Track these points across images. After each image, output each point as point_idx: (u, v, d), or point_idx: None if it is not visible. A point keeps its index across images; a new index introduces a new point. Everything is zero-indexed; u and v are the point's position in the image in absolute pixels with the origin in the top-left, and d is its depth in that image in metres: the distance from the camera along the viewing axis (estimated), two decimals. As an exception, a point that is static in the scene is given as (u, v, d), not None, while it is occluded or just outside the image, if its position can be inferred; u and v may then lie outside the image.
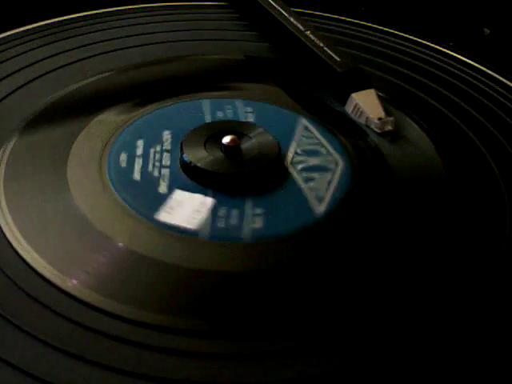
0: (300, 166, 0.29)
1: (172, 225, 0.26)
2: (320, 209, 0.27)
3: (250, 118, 0.32)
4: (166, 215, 0.26)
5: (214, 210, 0.26)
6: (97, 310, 0.23)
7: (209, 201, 0.27)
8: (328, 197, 0.28)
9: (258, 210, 0.27)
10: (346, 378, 0.21)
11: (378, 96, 0.33)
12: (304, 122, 0.32)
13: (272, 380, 0.21)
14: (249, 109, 0.32)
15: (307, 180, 0.28)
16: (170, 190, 0.27)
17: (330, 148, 0.30)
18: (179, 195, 0.27)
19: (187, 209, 0.26)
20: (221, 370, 0.21)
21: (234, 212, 0.26)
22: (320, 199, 0.27)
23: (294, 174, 0.29)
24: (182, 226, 0.26)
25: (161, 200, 0.27)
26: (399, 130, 0.32)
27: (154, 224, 0.26)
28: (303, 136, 0.31)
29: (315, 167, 0.29)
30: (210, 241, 0.25)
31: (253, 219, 0.26)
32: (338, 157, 0.30)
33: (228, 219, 0.26)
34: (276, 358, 0.21)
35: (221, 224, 0.26)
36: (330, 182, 0.28)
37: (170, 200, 0.27)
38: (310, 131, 0.31)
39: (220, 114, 0.32)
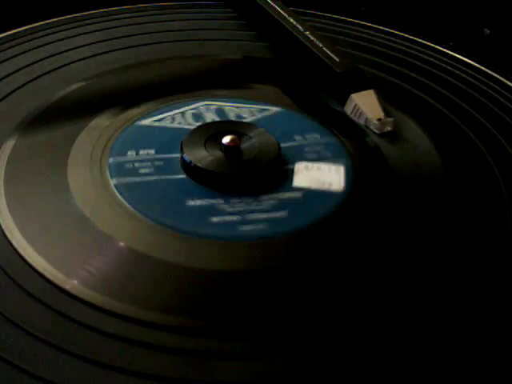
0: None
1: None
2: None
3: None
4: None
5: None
6: (97, 309, 0.23)
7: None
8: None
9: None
10: (346, 378, 0.21)
11: (378, 96, 0.33)
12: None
13: (272, 380, 0.21)
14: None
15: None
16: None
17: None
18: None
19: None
20: (220, 368, 0.21)
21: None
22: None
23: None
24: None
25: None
26: (399, 130, 0.32)
27: (154, 223, 0.26)
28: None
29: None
30: (212, 239, 0.25)
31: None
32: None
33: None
34: (276, 358, 0.22)
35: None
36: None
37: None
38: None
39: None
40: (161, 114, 0.32)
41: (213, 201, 0.27)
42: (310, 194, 0.28)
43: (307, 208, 0.27)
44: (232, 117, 0.32)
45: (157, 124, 0.31)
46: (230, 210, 0.26)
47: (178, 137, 0.30)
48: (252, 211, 0.26)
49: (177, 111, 0.32)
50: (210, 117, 0.32)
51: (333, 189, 0.27)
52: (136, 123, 0.31)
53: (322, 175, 0.28)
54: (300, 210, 0.27)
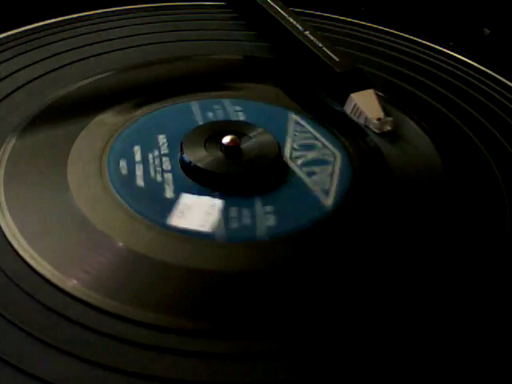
0: (299, 166, 0.29)
1: (186, 229, 0.25)
2: (328, 202, 0.27)
3: (251, 119, 0.32)
4: (178, 220, 0.26)
5: (225, 211, 0.26)
6: (97, 309, 0.23)
7: (218, 202, 0.27)
8: (327, 199, 0.28)
9: (269, 208, 0.27)
10: (346, 378, 0.21)
11: (378, 96, 0.33)
12: (304, 121, 0.32)
13: (273, 380, 0.21)
14: (249, 108, 0.32)
15: (306, 180, 0.28)
16: (177, 194, 0.27)
17: (329, 148, 0.30)
18: (187, 199, 0.27)
19: (198, 212, 0.26)
20: (221, 369, 0.21)
21: (246, 212, 0.26)
22: (319, 200, 0.27)
23: (294, 173, 0.29)
24: (196, 230, 0.26)
25: (170, 206, 0.27)
26: (399, 129, 0.32)
27: (154, 224, 0.26)
28: (303, 136, 0.31)
29: (314, 167, 0.29)
30: (211, 240, 0.25)
31: (266, 217, 0.26)
32: (337, 156, 0.30)
33: (241, 219, 0.26)
34: (276, 358, 0.22)
35: (234, 225, 0.26)
36: (329, 183, 0.28)
37: (179, 205, 0.26)
38: (309, 131, 0.31)
39: (220, 114, 0.32)
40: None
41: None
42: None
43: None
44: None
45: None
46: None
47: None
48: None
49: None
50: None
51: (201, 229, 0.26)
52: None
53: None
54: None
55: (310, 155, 0.30)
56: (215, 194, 0.27)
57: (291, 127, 0.31)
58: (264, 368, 0.21)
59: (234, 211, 0.26)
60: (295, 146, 0.30)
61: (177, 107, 0.32)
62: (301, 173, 0.29)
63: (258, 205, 0.27)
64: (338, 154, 0.30)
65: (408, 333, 0.23)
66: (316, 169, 0.29)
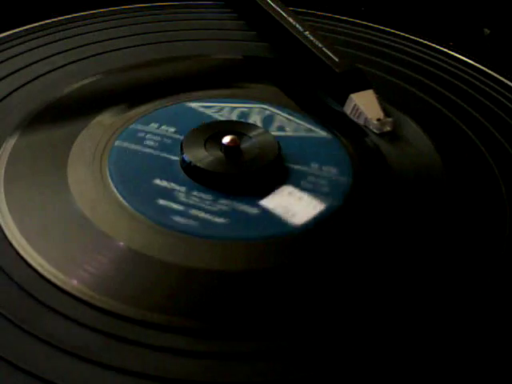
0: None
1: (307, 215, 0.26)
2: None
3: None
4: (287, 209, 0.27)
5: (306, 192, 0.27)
6: (97, 309, 0.23)
7: (290, 188, 0.28)
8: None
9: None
10: (346, 378, 0.21)
11: (377, 96, 0.33)
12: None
13: (273, 380, 0.21)
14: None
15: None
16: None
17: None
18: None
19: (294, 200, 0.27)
20: (221, 369, 0.21)
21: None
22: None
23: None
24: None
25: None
26: (399, 130, 0.32)
27: (154, 223, 0.26)
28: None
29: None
30: (211, 240, 0.25)
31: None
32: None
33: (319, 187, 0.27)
34: (276, 358, 0.22)
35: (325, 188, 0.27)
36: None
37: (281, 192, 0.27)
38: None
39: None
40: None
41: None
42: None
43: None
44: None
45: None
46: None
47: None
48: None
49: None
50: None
51: (290, 221, 0.26)
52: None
53: (294, 204, 0.27)
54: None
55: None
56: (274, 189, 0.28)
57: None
58: (264, 368, 0.21)
59: (305, 184, 0.28)
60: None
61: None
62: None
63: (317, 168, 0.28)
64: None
65: (409, 332, 0.23)
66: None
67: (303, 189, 0.28)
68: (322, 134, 0.31)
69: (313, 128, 0.31)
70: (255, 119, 0.31)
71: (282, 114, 0.32)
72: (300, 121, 0.32)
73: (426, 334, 0.23)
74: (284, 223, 0.26)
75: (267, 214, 0.26)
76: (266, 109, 0.32)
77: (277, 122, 0.32)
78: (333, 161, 0.29)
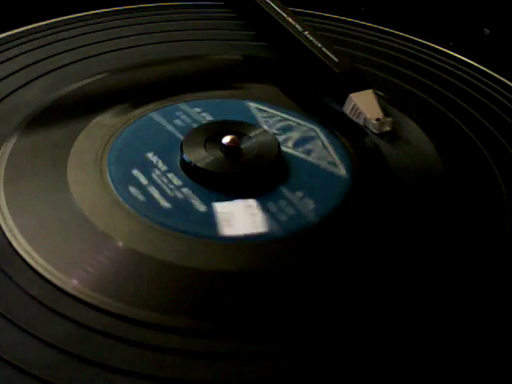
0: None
1: (240, 236, 0.25)
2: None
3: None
4: (229, 229, 0.26)
5: (265, 209, 0.27)
6: (97, 309, 0.23)
7: (251, 202, 0.27)
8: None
9: (299, 194, 0.27)
10: (346, 378, 0.21)
11: (377, 96, 0.33)
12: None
13: (272, 380, 0.21)
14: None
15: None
16: (208, 205, 0.27)
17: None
18: (222, 207, 0.27)
19: (242, 217, 0.26)
20: (221, 369, 0.21)
21: (283, 202, 0.27)
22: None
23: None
24: (252, 233, 0.25)
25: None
26: (399, 130, 0.32)
27: (154, 223, 0.26)
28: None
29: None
30: (211, 240, 0.25)
31: (305, 202, 0.27)
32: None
33: (283, 211, 0.26)
34: (276, 358, 0.22)
35: (283, 217, 0.26)
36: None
37: (218, 215, 0.26)
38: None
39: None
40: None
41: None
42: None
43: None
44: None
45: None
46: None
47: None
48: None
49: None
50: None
51: (220, 228, 0.26)
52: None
53: (240, 217, 0.26)
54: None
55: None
56: (243, 196, 0.27)
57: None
58: (264, 368, 0.21)
59: (271, 206, 0.27)
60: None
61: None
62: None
63: (287, 192, 0.27)
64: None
65: (409, 333, 0.23)
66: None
67: (264, 209, 0.26)
68: (342, 172, 0.29)
69: (336, 163, 0.29)
70: (295, 136, 0.30)
71: (325, 138, 0.31)
72: (331, 152, 0.30)
73: (426, 333, 0.23)
74: (213, 228, 0.26)
75: (210, 214, 0.26)
76: (313, 130, 0.31)
77: (312, 145, 0.30)
78: (319, 196, 0.28)
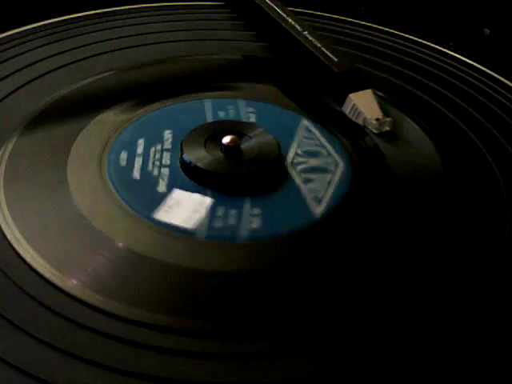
0: (300, 167, 0.29)
1: (169, 224, 0.26)
2: (319, 209, 0.27)
3: (251, 118, 0.32)
4: (164, 214, 0.26)
5: (213, 210, 0.26)
6: (96, 309, 0.23)
7: (207, 200, 0.27)
8: (327, 197, 0.28)
9: (257, 210, 0.27)
10: (346, 378, 0.21)
11: (376, 96, 0.33)
12: (304, 122, 0.32)
13: (272, 380, 0.21)
14: (250, 109, 0.32)
15: (306, 181, 0.28)
16: (170, 189, 0.27)
17: (329, 148, 0.30)
18: (178, 194, 0.27)
19: (186, 208, 0.26)
20: (221, 369, 0.21)
21: (233, 212, 0.26)
22: (319, 200, 0.27)
23: (294, 174, 0.29)
24: (179, 226, 0.26)
25: (160, 199, 0.27)
26: (398, 130, 0.32)
27: (153, 224, 0.26)
28: (303, 136, 0.31)
29: (315, 168, 0.29)
30: (208, 240, 0.25)
31: (251, 219, 0.26)
32: (337, 157, 0.30)
33: (226, 219, 0.26)
34: (276, 358, 0.22)
35: (218, 224, 0.26)
36: (329, 183, 0.28)
37: (168, 199, 0.27)
38: (309, 131, 0.31)
39: (220, 114, 0.32)
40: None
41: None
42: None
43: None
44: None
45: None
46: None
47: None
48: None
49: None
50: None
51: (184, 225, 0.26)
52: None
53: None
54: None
55: (311, 156, 0.30)
56: (207, 192, 0.27)
57: (292, 128, 0.31)
58: (262, 368, 0.21)
59: (221, 210, 0.26)
60: (296, 147, 0.30)
61: (177, 107, 0.32)
62: (301, 173, 0.29)
63: (247, 206, 0.27)
64: (339, 156, 0.30)
65: (408, 333, 0.23)
66: (316, 170, 0.29)
67: (211, 210, 0.26)
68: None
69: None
70: (313, 163, 0.30)
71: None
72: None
73: (426, 333, 0.23)
74: (149, 209, 0.26)
75: (162, 197, 0.27)
76: (335, 163, 0.30)
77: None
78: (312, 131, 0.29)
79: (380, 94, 0.34)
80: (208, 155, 0.28)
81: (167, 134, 0.30)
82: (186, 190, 0.27)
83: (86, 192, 0.27)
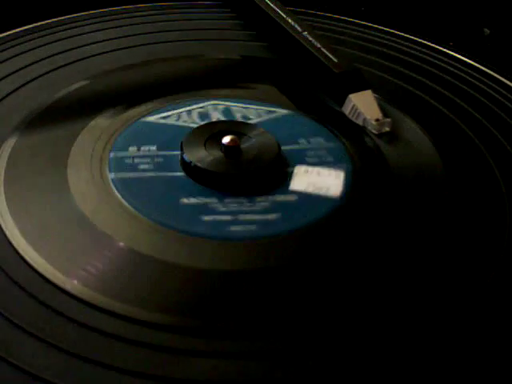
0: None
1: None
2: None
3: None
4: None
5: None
6: (97, 309, 0.23)
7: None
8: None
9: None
10: (346, 378, 0.21)
11: (376, 97, 0.33)
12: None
13: (272, 379, 0.21)
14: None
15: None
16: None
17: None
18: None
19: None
20: (220, 369, 0.21)
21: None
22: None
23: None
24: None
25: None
26: (398, 130, 0.32)
27: (154, 223, 0.26)
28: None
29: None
30: (211, 240, 0.25)
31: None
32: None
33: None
34: (276, 358, 0.22)
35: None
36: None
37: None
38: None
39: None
40: (166, 111, 0.32)
41: (210, 200, 0.27)
42: (306, 198, 0.27)
43: (306, 208, 0.27)
44: (238, 117, 0.32)
45: (162, 121, 0.31)
46: (225, 209, 0.26)
47: (181, 135, 0.30)
48: (245, 212, 0.26)
49: (183, 109, 0.32)
50: (216, 116, 0.32)
51: (329, 194, 0.27)
52: (136, 123, 0.31)
53: (320, 180, 0.28)
54: (299, 210, 0.27)
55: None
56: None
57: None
58: (263, 368, 0.21)
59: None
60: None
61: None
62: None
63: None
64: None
65: (408, 333, 0.23)
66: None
67: (313, 164, 0.29)
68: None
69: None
70: (215, 116, 0.32)
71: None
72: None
73: (426, 333, 0.23)
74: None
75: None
76: (217, 104, 0.33)
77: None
78: (312, 131, 0.31)
79: (379, 94, 0.34)
80: (208, 155, 0.28)
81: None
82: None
83: (86, 191, 0.27)
